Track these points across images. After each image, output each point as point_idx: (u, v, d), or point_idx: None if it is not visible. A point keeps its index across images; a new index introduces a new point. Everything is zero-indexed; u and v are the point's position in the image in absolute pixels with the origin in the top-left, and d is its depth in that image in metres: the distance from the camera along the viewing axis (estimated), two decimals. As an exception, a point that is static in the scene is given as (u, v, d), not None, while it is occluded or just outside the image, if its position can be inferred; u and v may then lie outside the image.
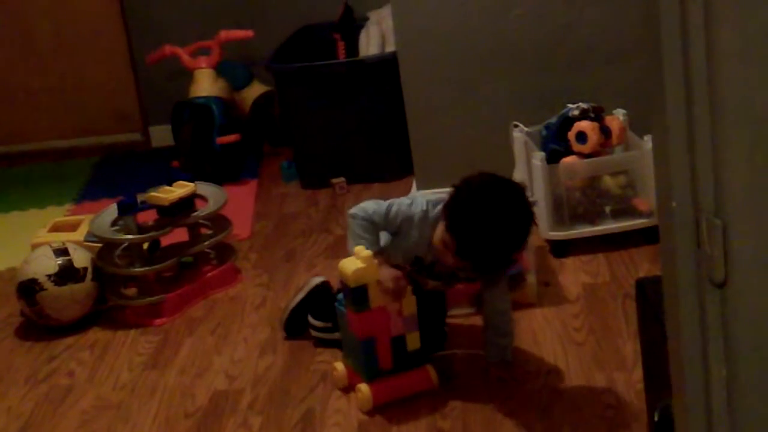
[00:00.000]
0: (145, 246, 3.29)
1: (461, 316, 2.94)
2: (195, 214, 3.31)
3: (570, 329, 2.83)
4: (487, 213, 2.42)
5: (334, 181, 4.10)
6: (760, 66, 1.04)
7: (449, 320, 2.90)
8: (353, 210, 2.64)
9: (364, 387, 2.58)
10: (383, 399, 2.58)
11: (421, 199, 2.64)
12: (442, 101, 3.64)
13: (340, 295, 2.64)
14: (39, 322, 3.20)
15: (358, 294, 2.51)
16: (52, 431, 2.69)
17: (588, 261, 3.21)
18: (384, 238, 2.66)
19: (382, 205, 2.63)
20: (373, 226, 2.60)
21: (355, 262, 2.51)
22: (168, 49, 4.54)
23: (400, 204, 2.63)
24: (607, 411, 2.44)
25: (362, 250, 2.53)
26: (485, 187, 2.46)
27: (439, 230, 2.52)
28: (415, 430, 2.47)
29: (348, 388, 2.66)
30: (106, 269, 3.23)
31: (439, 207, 2.55)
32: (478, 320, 2.91)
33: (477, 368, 2.68)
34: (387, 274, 2.54)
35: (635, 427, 2.35)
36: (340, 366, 2.70)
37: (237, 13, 4.81)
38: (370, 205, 2.63)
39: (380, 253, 2.59)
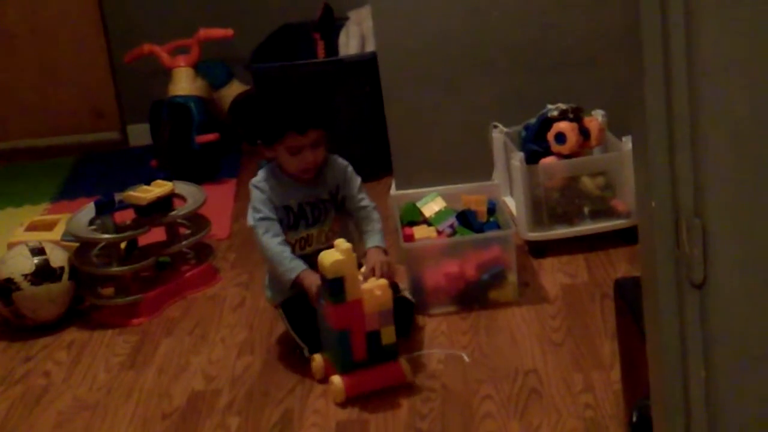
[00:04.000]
0: (123, 245, 3.27)
1: (442, 314, 2.94)
2: (173, 213, 3.30)
3: (548, 329, 2.83)
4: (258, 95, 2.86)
5: (313, 180, 4.08)
6: (741, 67, 1.04)
7: (431, 318, 2.90)
8: (261, 244, 2.76)
9: (336, 379, 2.59)
10: (356, 391, 2.58)
11: (256, 181, 2.81)
12: (422, 101, 3.63)
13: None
14: (15, 322, 3.18)
15: (335, 285, 2.52)
16: (27, 432, 2.67)
17: (566, 261, 3.22)
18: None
19: (254, 215, 2.76)
20: (282, 243, 2.73)
21: (334, 253, 2.52)
22: (146, 47, 4.52)
23: (252, 201, 2.78)
24: (585, 411, 2.44)
25: (342, 243, 2.54)
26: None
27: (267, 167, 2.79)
28: (393, 430, 2.47)
29: (326, 384, 2.66)
30: (83, 269, 3.21)
31: (268, 166, 2.80)
32: (459, 320, 2.91)
33: (456, 368, 2.68)
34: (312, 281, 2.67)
35: (613, 428, 2.35)
36: (318, 358, 2.70)
37: (216, 11, 4.79)
38: (257, 231, 2.75)
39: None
